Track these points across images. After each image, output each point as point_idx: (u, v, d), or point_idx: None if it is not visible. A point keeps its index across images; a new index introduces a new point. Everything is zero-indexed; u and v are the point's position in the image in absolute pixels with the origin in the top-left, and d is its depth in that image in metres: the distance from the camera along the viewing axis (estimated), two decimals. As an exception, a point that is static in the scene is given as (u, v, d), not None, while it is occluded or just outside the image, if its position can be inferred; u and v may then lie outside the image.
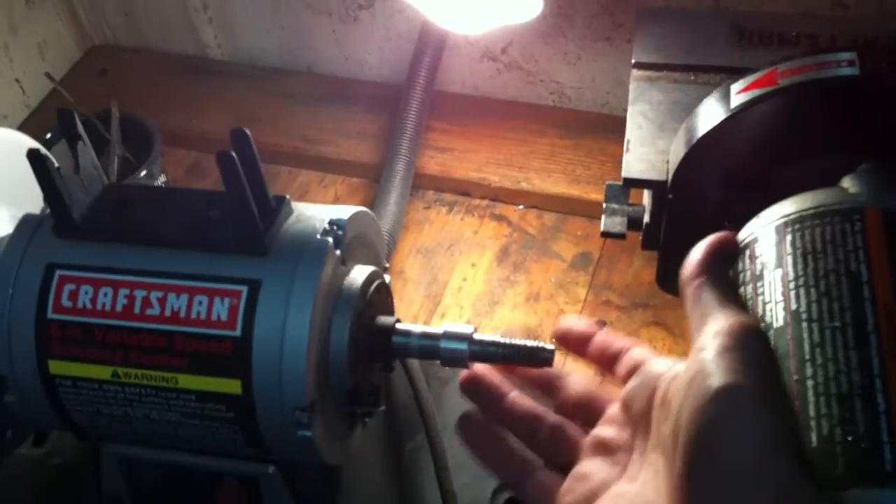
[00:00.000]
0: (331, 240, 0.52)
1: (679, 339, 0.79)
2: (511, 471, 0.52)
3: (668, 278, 0.71)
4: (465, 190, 0.94)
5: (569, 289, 0.84)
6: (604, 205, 0.71)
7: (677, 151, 0.64)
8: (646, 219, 0.69)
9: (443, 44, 0.94)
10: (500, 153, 0.96)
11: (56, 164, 0.52)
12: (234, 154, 0.49)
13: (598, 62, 0.96)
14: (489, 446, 0.53)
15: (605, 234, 0.70)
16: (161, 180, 0.88)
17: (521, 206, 0.92)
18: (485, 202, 0.93)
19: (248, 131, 0.51)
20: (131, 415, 0.54)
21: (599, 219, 0.88)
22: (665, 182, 0.64)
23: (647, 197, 0.70)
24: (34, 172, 0.52)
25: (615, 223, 0.69)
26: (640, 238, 0.70)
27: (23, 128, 1.07)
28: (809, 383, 0.47)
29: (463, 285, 0.86)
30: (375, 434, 0.68)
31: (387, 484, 0.67)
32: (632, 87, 0.72)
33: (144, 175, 0.85)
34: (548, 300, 0.84)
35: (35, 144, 0.70)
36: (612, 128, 0.96)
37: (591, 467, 0.48)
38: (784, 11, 0.80)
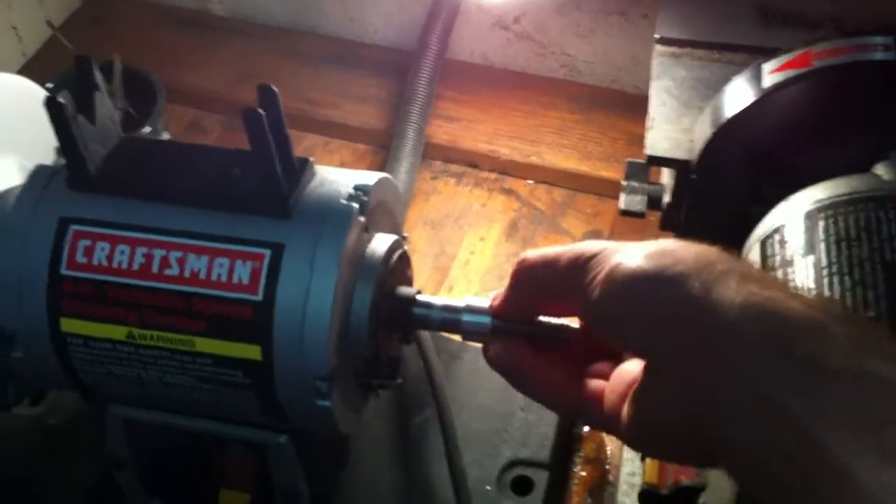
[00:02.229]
0: (356, 205, 0.51)
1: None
2: (546, 387, 0.49)
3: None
4: (473, 161, 0.93)
5: (577, 265, 0.83)
6: (623, 182, 0.70)
7: (703, 130, 0.63)
8: (666, 198, 0.68)
9: (456, 9, 0.92)
10: (510, 125, 0.94)
11: (74, 113, 0.50)
12: (261, 111, 0.47)
13: (611, 36, 0.94)
14: (523, 363, 0.49)
15: (625, 213, 0.69)
16: (165, 137, 0.86)
17: (530, 181, 0.91)
18: (493, 175, 0.92)
19: (276, 89, 0.49)
20: (144, 377, 0.52)
21: (610, 196, 0.89)
22: (689, 161, 0.63)
23: (667, 176, 0.69)
24: (51, 120, 0.50)
25: (635, 201, 0.68)
26: (659, 218, 0.69)
27: (18, 77, 1.04)
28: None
29: (471, 258, 0.85)
30: (384, 406, 0.67)
31: (393, 457, 0.66)
32: (655, 62, 0.71)
33: (149, 131, 0.83)
34: (555, 276, 0.82)
35: (41, 91, 0.68)
36: (623, 104, 0.95)
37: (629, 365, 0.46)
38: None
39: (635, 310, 0.40)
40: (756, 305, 0.37)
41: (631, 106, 0.95)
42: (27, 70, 1.06)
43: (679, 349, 0.39)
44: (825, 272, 0.50)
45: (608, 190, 0.89)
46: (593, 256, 0.43)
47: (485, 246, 0.86)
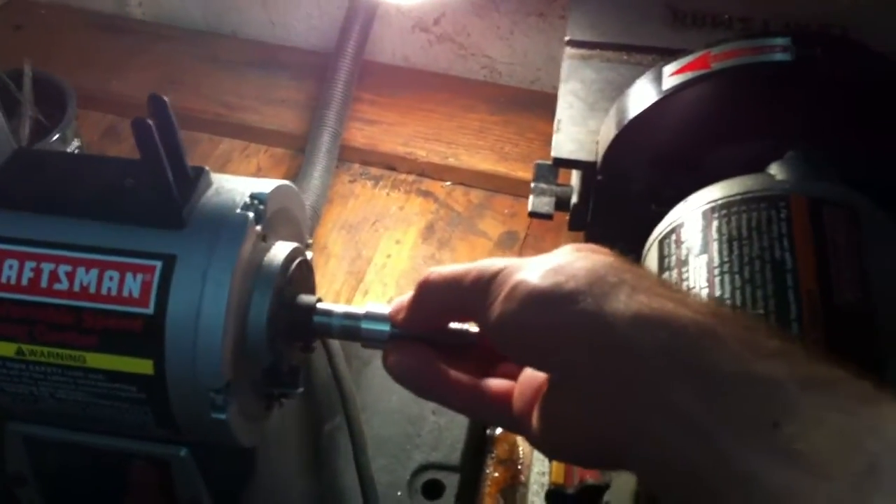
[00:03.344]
0: (251, 214, 0.50)
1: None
2: (451, 392, 0.48)
3: (594, 260, 0.71)
4: (391, 164, 0.93)
5: (494, 267, 0.83)
6: (532, 184, 0.70)
7: (607, 132, 0.63)
8: (574, 199, 0.68)
9: (373, 12, 0.92)
10: (429, 127, 0.94)
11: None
12: (150, 121, 0.47)
13: (530, 37, 0.95)
14: (424, 371, 0.48)
15: (533, 214, 0.69)
16: (75, 145, 0.84)
17: (448, 183, 0.91)
18: (411, 177, 0.92)
19: (165, 98, 0.49)
20: (37, 394, 0.51)
21: (527, 197, 0.88)
22: (595, 163, 0.64)
23: (575, 177, 0.70)
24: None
25: (543, 203, 0.69)
26: (568, 218, 0.70)
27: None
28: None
29: (387, 262, 0.85)
30: (293, 414, 0.66)
31: (303, 466, 0.66)
32: (564, 64, 0.71)
33: (57, 139, 0.81)
34: (473, 278, 0.83)
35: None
36: (542, 104, 0.95)
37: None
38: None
39: (533, 328, 0.41)
40: (645, 317, 0.38)
41: (550, 106, 0.93)
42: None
43: (577, 365, 0.39)
44: (717, 271, 0.51)
45: (525, 191, 0.88)
46: (495, 275, 0.43)
47: (401, 249, 0.86)
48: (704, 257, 0.52)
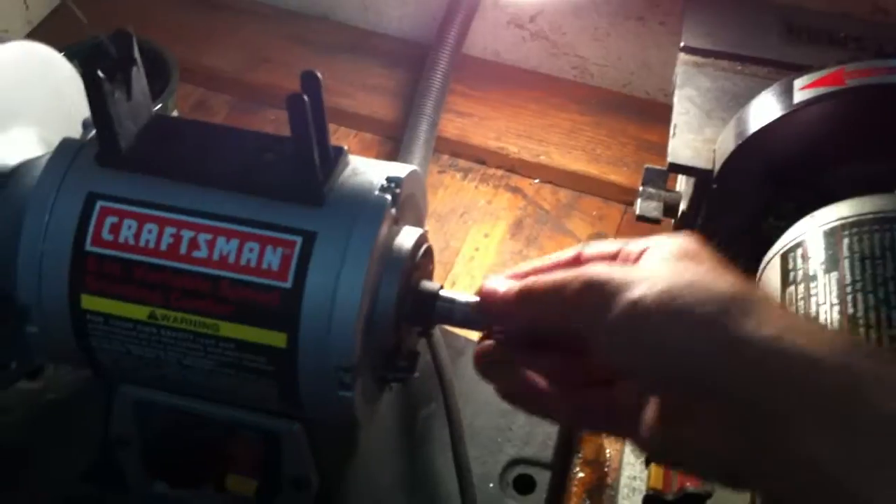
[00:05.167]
0: (389, 197, 0.50)
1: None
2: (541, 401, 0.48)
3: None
4: (481, 157, 0.93)
5: (582, 268, 0.83)
6: (640, 188, 0.70)
7: (727, 141, 0.63)
8: (682, 206, 0.68)
9: (476, 5, 0.92)
10: (520, 123, 0.94)
11: (111, 89, 0.49)
12: (305, 97, 0.47)
13: (626, 41, 0.95)
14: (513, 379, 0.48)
15: (641, 218, 0.69)
16: (174, 115, 0.85)
17: (537, 180, 0.91)
18: (500, 172, 0.92)
19: (319, 75, 0.49)
20: (163, 359, 0.52)
21: (616, 200, 0.89)
22: (711, 171, 0.64)
23: (685, 184, 0.70)
24: (88, 95, 0.49)
25: (651, 207, 0.69)
26: (673, 225, 0.70)
27: (23, 45, 1.02)
28: (867, 390, 0.47)
29: (475, 255, 0.85)
30: (391, 398, 0.66)
31: (398, 449, 0.66)
32: (679, 70, 0.71)
33: (160, 108, 0.82)
34: (560, 277, 0.83)
35: (58, 59, 0.67)
36: (634, 109, 0.96)
37: None
38: (825, 9, 0.80)
39: (657, 350, 0.40)
40: (780, 349, 0.37)
41: (641, 111, 0.95)
42: (32, 38, 1.04)
43: (705, 392, 0.39)
44: (849, 289, 0.51)
45: (614, 194, 0.89)
46: (603, 287, 0.42)
47: (489, 243, 0.86)
48: (835, 274, 0.52)
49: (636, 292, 0.40)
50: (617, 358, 0.42)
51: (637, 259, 0.44)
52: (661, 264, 0.42)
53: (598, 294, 0.42)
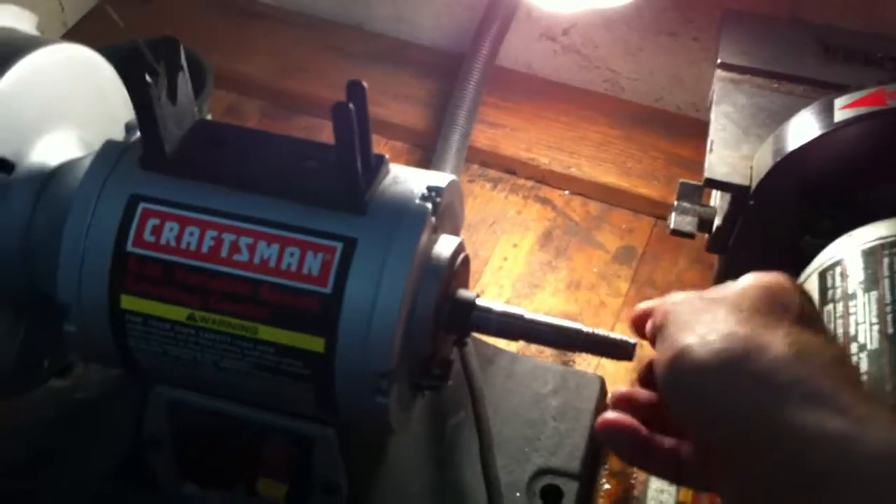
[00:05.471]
0: (430, 206, 0.51)
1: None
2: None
3: (728, 284, 0.71)
4: (511, 168, 0.93)
5: (611, 281, 0.84)
6: (675, 202, 0.70)
7: (764, 158, 0.63)
8: (717, 221, 0.68)
9: (511, 17, 0.92)
10: (551, 135, 0.94)
11: (158, 93, 0.50)
12: (351, 106, 0.47)
13: (658, 56, 0.95)
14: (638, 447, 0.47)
15: (675, 232, 0.69)
16: (208, 119, 0.86)
17: (566, 192, 0.91)
18: (530, 183, 0.92)
19: (365, 84, 0.49)
20: (199, 360, 0.52)
21: (645, 213, 0.89)
22: (748, 188, 0.64)
23: (720, 199, 0.70)
24: (134, 98, 0.50)
25: (686, 222, 0.69)
26: (707, 240, 0.70)
27: (59, 47, 1.03)
28: (906, 410, 0.46)
29: (503, 265, 0.85)
30: (422, 405, 0.67)
31: (427, 457, 0.66)
32: (716, 86, 0.71)
33: (196, 112, 0.82)
34: (589, 290, 0.83)
35: (99, 60, 0.67)
36: (665, 123, 0.96)
37: None
38: (861, 29, 0.80)
39: (707, 407, 0.40)
40: (821, 437, 0.37)
41: (672, 126, 0.95)
42: (67, 39, 1.05)
43: (740, 466, 0.39)
44: (889, 308, 0.51)
45: (644, 207, 0.89)
46: (662, 328, 0.43)
47: (518, 253, 0.86)
48: (875, 293, 0.52)
49: (685, 340, 0.41)
50: (665, 400, 0.43)
51: None
52: (730, 315, 0.42)
53: (659, 333, 0.44)
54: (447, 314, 0.53)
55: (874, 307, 0.51)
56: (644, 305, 0.48)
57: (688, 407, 0.42)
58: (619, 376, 0.74)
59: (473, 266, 0.84)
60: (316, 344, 0.49)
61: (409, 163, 0.94)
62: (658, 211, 0.88)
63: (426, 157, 0.91)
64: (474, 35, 0.93)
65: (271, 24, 1.07)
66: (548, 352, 0.75)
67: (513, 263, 0.85)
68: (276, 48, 1.04)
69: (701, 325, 0.41)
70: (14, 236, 0.56)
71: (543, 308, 0.81)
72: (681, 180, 0.70)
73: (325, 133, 0.96)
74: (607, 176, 0.91)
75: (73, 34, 1.06)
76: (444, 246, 0.53)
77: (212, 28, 1.05)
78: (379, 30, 1.05)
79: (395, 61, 1.02)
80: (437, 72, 0.99)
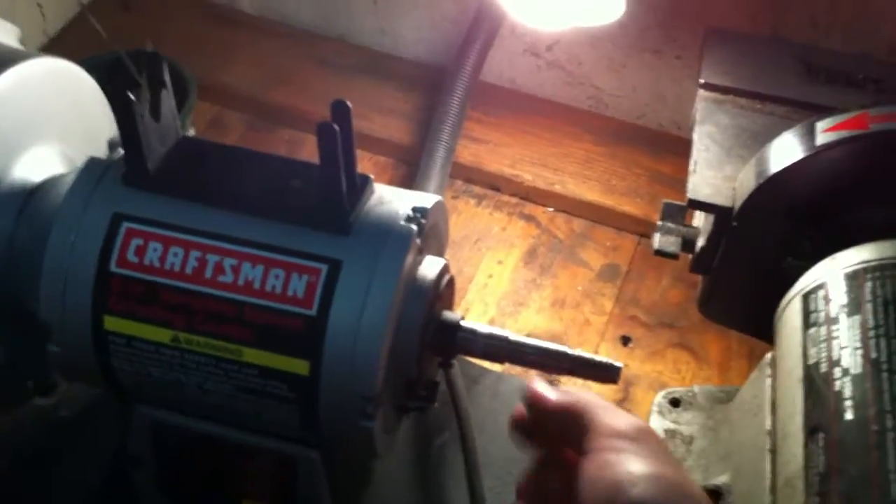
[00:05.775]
0: (415, 227, 0.51)
1: (703, 363, 0.79)
2: None
3: (711, 304, 0.71)
4: (495, 184, 0.93)
5: (595, 299, 0.84)
6: (658, 222, 0.70)
7: (748, 179, 0.63)
8: (700, 242, 0.68)
9: (496, 31, 0.92)
10: (535, 152, 0.94)
11: (141, 109, 0.49)
12: (335, 126, 0.47)
13: (641, 73, 0.95)
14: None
15: (659, 253, 0.69)
16: (191, 133, 0.85)
17: (551, 209, 0.91)
18: (514, 199, 0.92)
19: (349, 104, 0.49)
20: (183, 382, 0.52)
21: (629, 231, 0.89)
22: (731, 209, 0.64)
23: (702, 220, 0.70)
24: (117, 115, 0.49)
25: (669, 242, 0.69)
26: (690, 260, 0.70)
27: (40, 57, 1.02)
28: (890, 436, 0.47)
29: (488, 282, 0.85)
30: (407, 427, 0.66)
31: (413, 478, 0.66)
32: (699, 106, 0.71)
33: (179, 126, 0.82)
34: (573, 308, 0.83)
35: (81, 75, 0.66)
36: (648, 140, 0.96)
37: None
38: (843, 49, 0.80)
39: None
40: None
41: (655, 143, 0.95)
42: (49, 50, 1.04)
43: None
44: (871, 333, 0.51)
45: (628, 224, 0.89)
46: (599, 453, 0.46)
47: (503, 270, 0.86)
48: (857, 318, 0.52)
49: (621, 477, 0.44)
50: None
51: None
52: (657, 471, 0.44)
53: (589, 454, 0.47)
54: (432, 336, 0.53)
55: (857, 331, 0.51)
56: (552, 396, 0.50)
57: None
58: (604, 396, 0.74)
59: (458, 283, 0.83)
60: (300, 367, 0.49)
61: (393, 178, 0.94)
62: (641, 228, 0.88)
63: (411, 172, 0.91)
64: (458, 49, 0.93)
65: (253, 34, 1.06)
66: (533, 371, 0.75)
67: (497, 281, 0.85)
68: (259, 58, 1.03)
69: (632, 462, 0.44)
70: (-5, 252, 0.55)
71: (528, 326, 0.81)
72: (664, 200, 0.70)
73: (308, 146, 0.96)
74: (591, 193, 0.91)
75: (56, 43, 1.06)
76: (429, 267, 0.53)
77: (193, 37, 1.05)
78: (362, 42, 1.05)
79: (378, 74, 1.02)
80: (421, 85, 0.99)
